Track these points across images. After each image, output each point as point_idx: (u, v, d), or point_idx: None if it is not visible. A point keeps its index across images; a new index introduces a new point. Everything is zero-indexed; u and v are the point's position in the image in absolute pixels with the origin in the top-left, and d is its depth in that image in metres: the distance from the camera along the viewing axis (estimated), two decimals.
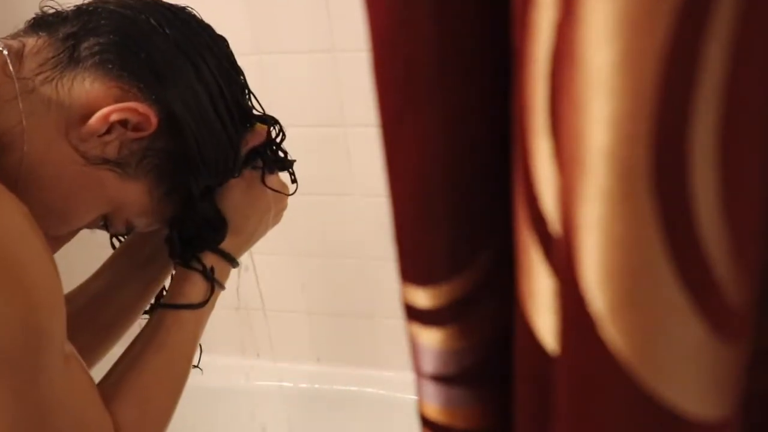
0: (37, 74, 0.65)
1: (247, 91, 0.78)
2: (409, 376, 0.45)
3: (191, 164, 0.71)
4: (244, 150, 0.78)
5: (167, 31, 0.69)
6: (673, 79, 0.25)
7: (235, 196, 0.78)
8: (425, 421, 0.44)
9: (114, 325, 0.83)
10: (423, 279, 0.39)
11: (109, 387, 0.68)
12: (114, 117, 0.65)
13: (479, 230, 0.38)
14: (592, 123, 0.26)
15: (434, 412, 0.43)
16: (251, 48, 1.36)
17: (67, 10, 0.69)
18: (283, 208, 0.84)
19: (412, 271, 0.39)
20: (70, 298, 0.69)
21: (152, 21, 0.69)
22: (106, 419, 0.65)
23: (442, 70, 0.34)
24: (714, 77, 0.25)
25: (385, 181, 0.38)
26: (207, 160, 0.71)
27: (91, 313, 0.80)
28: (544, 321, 0.34)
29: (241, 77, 0.77)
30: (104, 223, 0.73)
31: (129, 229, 0.77)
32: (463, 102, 0.35)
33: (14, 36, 0.69)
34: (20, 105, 0.63)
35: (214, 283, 0.76)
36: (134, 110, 0.66)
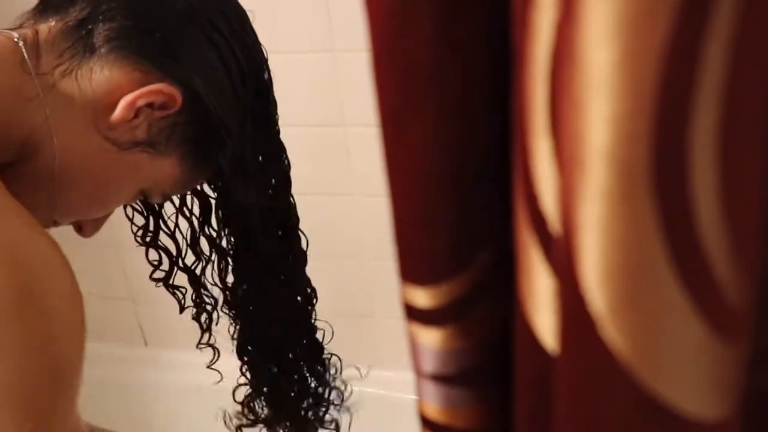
0: (56, 67, 0.64)
1: (260, 52, 0.77)
2: (409, 376, 0.45)
3: (214, 131, 0.71)
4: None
5: (177, 4, 0.68)
6: (673, 79, 0.25)
7: None
8: (425, 421, 0.44)
9: None
10: (423, 279, 0.39)
11: None
12: (140, 102, 0.65)
13: (479, 230, 0.38)
14: (592, 123, 0.26)
15: (434, 411, 0.43)
16: None
17: None
18: None
19: (412, 270, 0.39)
20: None
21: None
22: None
23: (442, 70, 0.34)
24: (714, 77, 0.25)
25: (385, 181, 0.38)
26: (226, 125, 0.72)
27: None
28: (544, 321, 0.34)
29: (253, 36, 0.76)
30: (144, 197, 0.75)
31: (166, 199, 0.78)
32: (463, 102, 0.35)
33: (24, 20, 0.68)
34: (44, 102, 0.63)
35: None
36: (159, 92, 0.66)
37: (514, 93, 0.33)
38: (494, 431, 0.43)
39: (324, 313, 1.61)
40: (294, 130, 1.47)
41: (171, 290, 0.87)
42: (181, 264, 0.85)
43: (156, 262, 0.85)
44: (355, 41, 1.28)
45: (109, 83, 0.65)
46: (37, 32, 0.65)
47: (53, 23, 0.66)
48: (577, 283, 0.29)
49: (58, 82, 0.64)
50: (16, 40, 0.64)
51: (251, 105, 0.74)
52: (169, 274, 0.85)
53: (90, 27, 0.65)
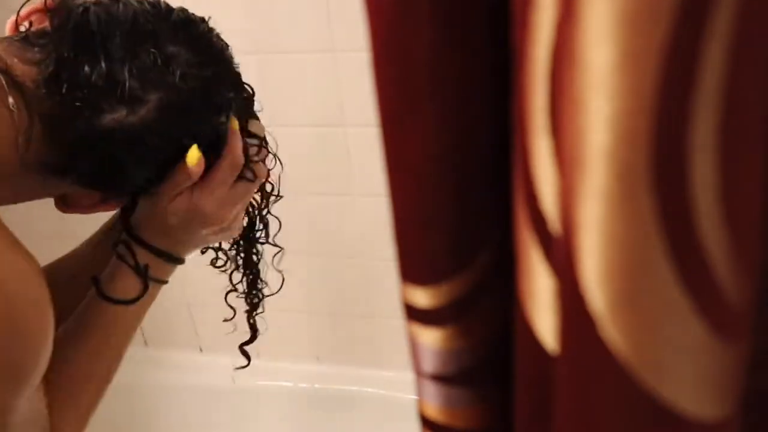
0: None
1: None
2: (409, 376, 0.45)
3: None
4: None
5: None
6: (672, 78, 0.25)
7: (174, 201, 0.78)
8: (425, 421, 0.44)
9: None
10: (423, 279, 0.39)
11: (48, 387, 0.68)
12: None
13: (479, 230, 0.38)
14: (592, 123, 0.26)
15: (434, 411, 0.43)
16: (251, 48, 1.36)
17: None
18: (217, 229, 0.81)
19: (412, 270, 0.39)
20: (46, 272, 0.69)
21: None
22: (47, 425, 0.68)
23: (442, 69, 0.34)
24: (714, 77, 0.25)
25: (385, 181, 0.38)
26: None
27: (63, 291, 0.81)
28: (544, 321, 0.34)
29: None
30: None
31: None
32: (463, 102, 0.35)
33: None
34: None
35: (147, 281, 0.76)
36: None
37: (514, 93, 0.33)
38: (494, 431, 0.43)
39: (324, 313, 1.62)
40: (294, 130, 1.47)
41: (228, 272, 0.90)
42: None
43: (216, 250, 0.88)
44: (355, 41, 1.28)
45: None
46: (8, 67, 0.64)
47: (26, 67, 0.65)
48: (577, 282, 0.29)
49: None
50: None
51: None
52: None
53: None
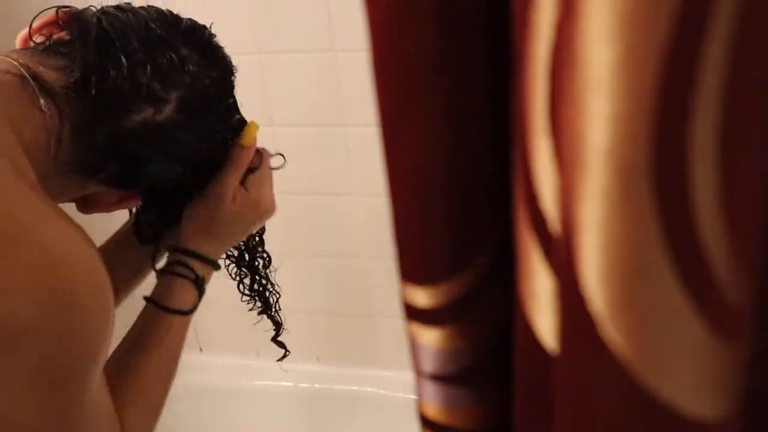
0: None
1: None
2: (408, 376, 0.45)
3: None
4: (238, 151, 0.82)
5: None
6: (673, 78, 0.25)
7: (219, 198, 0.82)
8: (425, 421, 0.44)
9: None
10: (423, 278, 0.39)
11: (114, 390, 0.71)
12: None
13: (479, 230, 0.38)
14: (592, 122, 0.26)
15: (434, 411, 0.43)
16: (252, 47, 1.36)
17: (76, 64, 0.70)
18: (266, 217, 0.88)
19: (412, 270, 0.39)
20: None
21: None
22: (117, 425, 0.70)
23: (442, 69, 0.34)
24: (714, 77, 0.25)
25: (385, 181, 0.38)
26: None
27: None
28: (544, 321, 0.34)
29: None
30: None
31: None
32: (463, 102, 0.35)
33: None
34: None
35: (202, 292, 0.82)
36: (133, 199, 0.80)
37: (514, 93, 0.33)
38: (494, 431, 0.43)
39: (324, 313, 1.62)
40: (294, 130, 1.47)
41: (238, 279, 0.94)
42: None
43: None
44: (355, 41, 1.28)
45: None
46: (36, 74, 0.67)
47: (54, 73, 0.68)
48: (577, 282, 0.29)
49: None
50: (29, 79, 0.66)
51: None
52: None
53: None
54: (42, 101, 0.64)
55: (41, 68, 0.67)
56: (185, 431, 1.70)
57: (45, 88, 0.65)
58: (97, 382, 0.63)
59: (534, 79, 0.30)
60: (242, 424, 1.68)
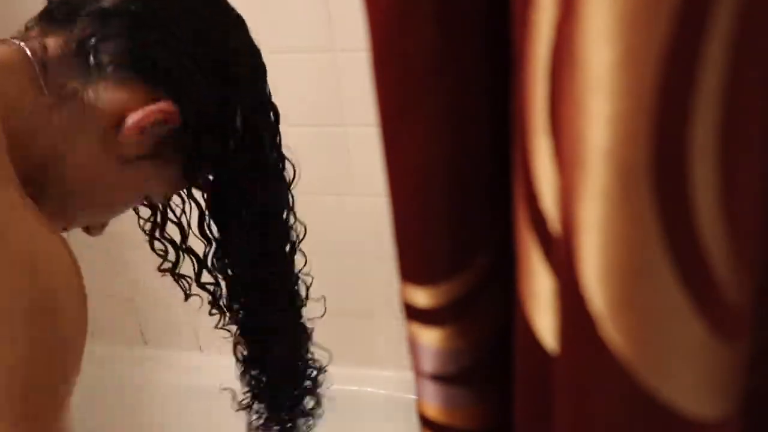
0: (64, 87, 0.67)
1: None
2: (408, 376, 0.45)
3: (211, 135, 0.76)
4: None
5: (171, 27, 0.72)
6: (673, 78, 0.25)
7: None
8: (425, 421, 0.44)
9: None
10: (423, 278, 0.39)
11: None
12: (147, 121, 0.69)
13: (479, 230, 0.38)
14: (592, 122, 0.26)
15: (434, 411, 0.43)
16: None
17: (76, 2, 0.70)
18: None
19: (412, 270, 0.39)
20: None
21: (158, 16, 0.71)
22: None
23: (442, 69, 0.34)
24: (714, 77, 0.25)
25: (385, 181, 0.38)
26: (222, 129, 0.77)
27: None
28: (544, 321, 0.34)
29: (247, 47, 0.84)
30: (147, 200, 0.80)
31: (168, 199, 0.83)
32: (463, 102, 0.35)
33: (29, 30, 0.70)
34: (54, 120, 0.66)
35: None
36: (162, 110, 0.69)
37: (514, 93, 0.33)
38: (494, 431, 0.43)
39: (323, 313, 1.61)
40: (294, 130, 1.47)
41: (177, 279, 0.90)
42: (185, 248, 0.89)
43: (162, 252, 0.88)
44: (355, 41, 1.28)
45: (113, 103, 0.68)
46: (45, 47, 0.67)
47: (59, 39, 0.68)
48: (577, 282, 0.29)
49: (68, 103, 0.67)
50: (29, 55, 0.66)
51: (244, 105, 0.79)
52: (176, 264, 0.89)
53: (94, 45, 0.68)
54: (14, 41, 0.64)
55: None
56: (185, 431, 1.70)
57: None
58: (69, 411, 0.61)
59: (534, 79, 0.30)
60: (243, 424, 1.68)
